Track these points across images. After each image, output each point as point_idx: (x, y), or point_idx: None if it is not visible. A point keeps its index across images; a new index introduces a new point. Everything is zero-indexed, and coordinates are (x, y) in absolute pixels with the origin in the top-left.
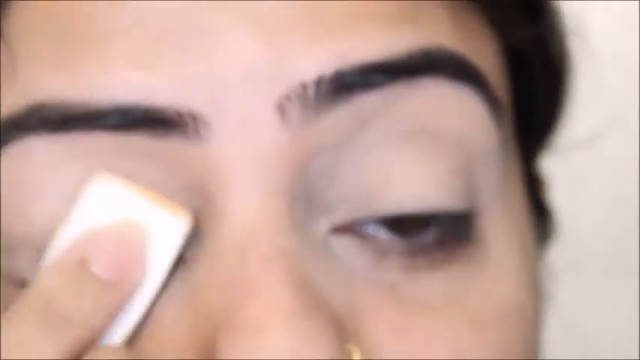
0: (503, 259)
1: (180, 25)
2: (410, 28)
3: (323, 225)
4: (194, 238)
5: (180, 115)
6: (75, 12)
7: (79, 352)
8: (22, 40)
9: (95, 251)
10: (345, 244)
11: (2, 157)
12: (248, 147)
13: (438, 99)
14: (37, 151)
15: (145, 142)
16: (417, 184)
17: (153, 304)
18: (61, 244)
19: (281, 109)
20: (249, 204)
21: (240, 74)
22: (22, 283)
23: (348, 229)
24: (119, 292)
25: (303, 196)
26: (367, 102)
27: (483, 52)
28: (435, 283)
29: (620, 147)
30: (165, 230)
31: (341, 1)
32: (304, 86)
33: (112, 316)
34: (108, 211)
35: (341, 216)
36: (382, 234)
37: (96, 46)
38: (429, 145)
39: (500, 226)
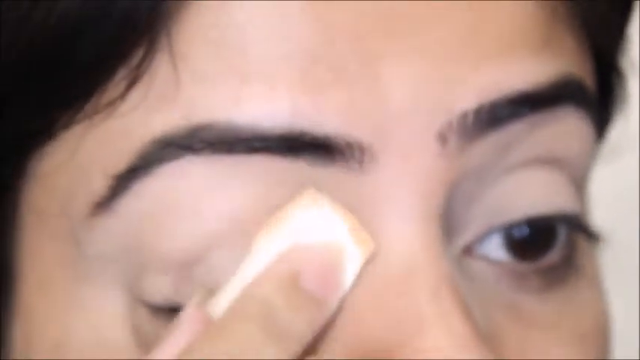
0: (594, 272)
1: (346, 52)
2: (550, 56)
3: (457, 246)
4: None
5: (348, 144)
6: (238, 28)
7: None
8: (184, 56)
9: (306, 267)
10: (475, 267)
11: (155, 175)
12: (408, 177)
13: (566, 126)
14: (196, 172)
15: (305, 168)
16: (539, 193)
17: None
18: (267, 254)
19: (442, 138)
20: (406, 231)
21: (406, 107)
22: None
23: (475, 252)
24: (326, 311)
25: (446, 219)
26: (513, 130)
27: (589, 70)
28: (557, 300)
29: (619, 146)
30: (351, 257)
31: (495, 27)
32: (465, 115)
33: (317, 333)
34: (314, 229)
35: (470, 234)
36: (511, 259)
37: (264, 68)
38: (553, 167)
39: (585, 243)
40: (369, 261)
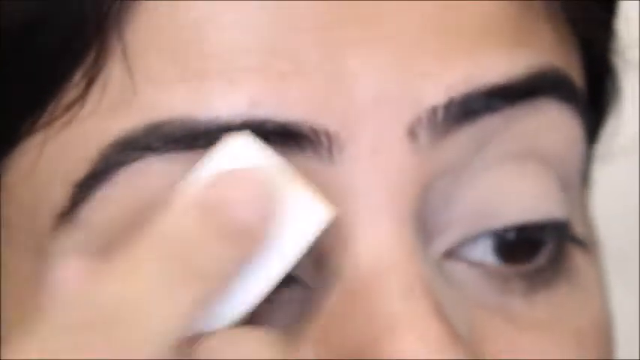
0: (589, 274)
1: (308, 42)
2: (527, 47)
3: (436, 249)
4: (319, 265)
5: (315, 131)
6: (194, 25)
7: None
8: (139, 57)
9: (238, 194)
10: (457, 269)
11: (115, 180)
12: (379, 172)
13: (547, 120)
14: (158, 172)
15: None
16: (527, 198)
17: (275, 286)
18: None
19: (412, 133)
20: (380, 230)
21: (372, 97)
22: None
23: (458, 254)
24: (254, 244)
25: (422, 220)
26: (488, 124)
27: (575, 64)
28: (546, 302)
29: (619, 147)
30: (308, 212)
31: (466, 16)
32: (435, 110)
33: (241, 267)
34: (248, 161)
35: (453, 238)
36: (496, 262)
37: (222, 62)
38: (537, 164)
39: (584, 238)
40: (326, 221)
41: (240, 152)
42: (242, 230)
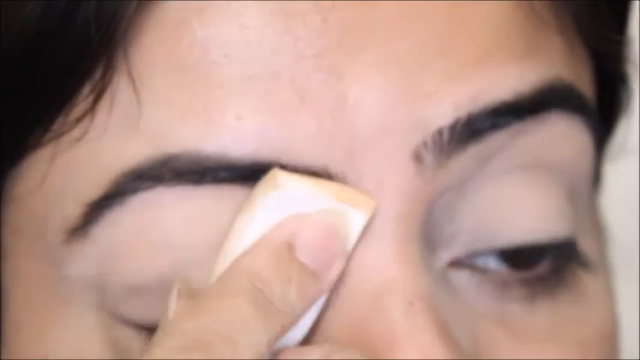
0: (596, 283)
1: (310, 70)
2: (534, 61)
3: (441, 259)
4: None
5: (316, 175)
6: (200, 49)
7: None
8: (145, 76)
9: (302, 237)
10: (461, 278)
11: (128, 205)
12: (383, 199)
13: (555, 132)
14: (168, 203)
15: None
16: (532, 216)
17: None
18: (257, 224)
19: (417, 158)
20: (383, 250)
21: (375, 127)
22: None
23: (463, 262)
24: (322, 283)
25: (426, 235)
26: (494, 141)
27: (584, 75)
28: (548, 311)
29: (619, 146)
30: (347, 224)
31: (470, 33)
32: (440, 131)
33: (311, 306)
34: (300, 206)
35: (459, 250)
36: (498, 267)
37: (229, 93)
38: (543, 177)
39: (591, 250)
40: (366, 221)
41: (289, 197)
42: (308, 273)
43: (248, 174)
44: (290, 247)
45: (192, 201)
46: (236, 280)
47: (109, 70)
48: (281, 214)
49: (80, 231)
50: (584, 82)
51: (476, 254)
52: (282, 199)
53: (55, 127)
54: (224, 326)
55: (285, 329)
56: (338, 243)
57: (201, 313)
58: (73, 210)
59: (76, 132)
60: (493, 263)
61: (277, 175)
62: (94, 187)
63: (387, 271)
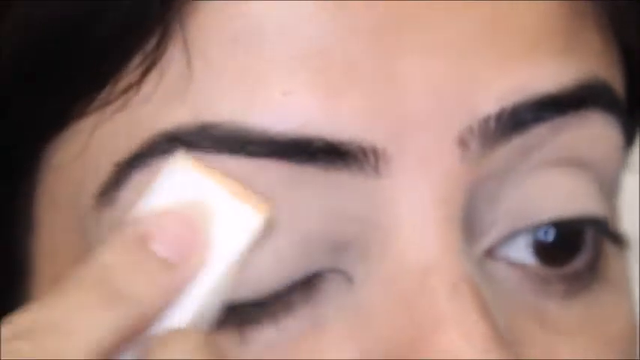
0: (622, 277)
1: (360, 51)
2: (575, 56)
3: (479, 247)
4: (362, 261)
5: (363, 150)
6: (255, 26)
7: (135, 330)
8: (200, 49)
9: (157, 229)
10: (496, 268)
11: (156, 168)
12: (426, 180)
13: (593, 130)
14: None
15: (317, 173)
16: (566, 195)
17: (215, 293)
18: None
19: (462, 143)
20: (425, 233)
21: (424, 108)
22: None
23: (497, 253)
24: (177, 273)
25: (467, 221)
26: (537, 133)
27: (617, 74)
28: (582, 306)
29: None
30: (237, 220)
31: (518, 24)
32: (487, 120)
33: (168, 296)
34: (179, 193)
35: (495, 236)
36: (534, 262)
37: (279, 67)
38: (579, 169)
39: (613, 248)
40: (268, 228)
41: (177, 182)
42: (159, 263)
43: (287, 150)
44: (143, 239)
45: (227, 170)
46: (85, 272)
47: (163, 40)
48: (168, 196)
49: (108, 195)
50: (617, 82)
51: (509, 238)
52: (175, 182)
53: (102, 96)
54: (56, 315)
55: (137, 318)
56: (198, 236)
57: (43, 304)
58: (104, 173)
59: (121, 101)
60: (529, 257)
61: (179, 159)
62: (126, 147)
63: (431, 251)
